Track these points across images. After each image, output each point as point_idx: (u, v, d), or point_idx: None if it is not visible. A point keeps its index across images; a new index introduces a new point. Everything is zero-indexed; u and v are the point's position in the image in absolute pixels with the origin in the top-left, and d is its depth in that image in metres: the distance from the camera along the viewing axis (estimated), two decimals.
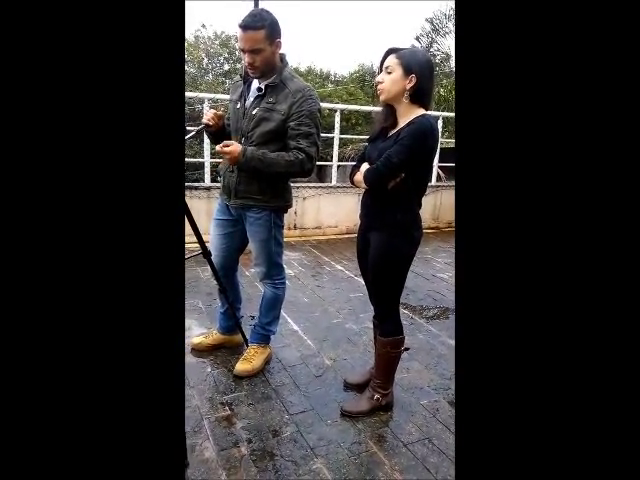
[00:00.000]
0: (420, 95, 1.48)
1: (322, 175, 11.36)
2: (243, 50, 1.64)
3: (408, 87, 1.47)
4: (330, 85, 13.98)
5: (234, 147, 1.66)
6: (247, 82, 1.78)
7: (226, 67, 14.01)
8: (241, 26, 1.59)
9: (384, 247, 1.59)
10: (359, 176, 1.57)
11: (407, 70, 1.45)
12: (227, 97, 5.37)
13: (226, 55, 14.00)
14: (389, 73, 1.48)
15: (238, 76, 1.90)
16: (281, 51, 1.73)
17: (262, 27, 1.59)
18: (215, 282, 2.02)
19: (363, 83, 13.59)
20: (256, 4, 4.09)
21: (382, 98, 1.52)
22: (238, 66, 13.57)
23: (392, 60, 1.47)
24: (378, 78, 1.52)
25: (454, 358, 2.31)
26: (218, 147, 1.66)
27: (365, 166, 1.56)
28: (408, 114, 1.51)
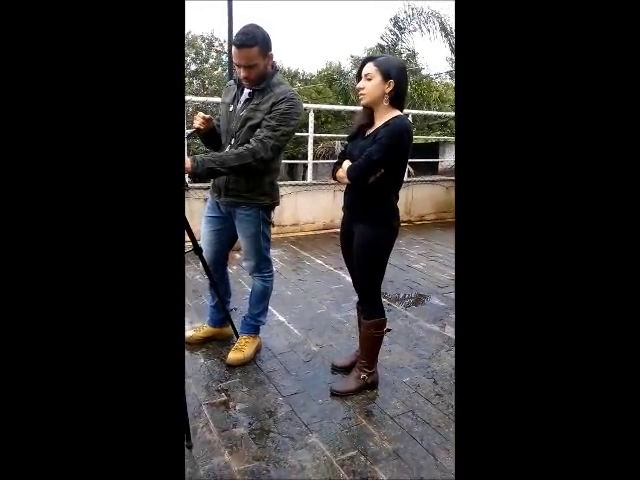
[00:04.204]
0: (397, 98, 1.63)
1: (293, 173, 11.47)
2: (238, 65, 1.75)
3: (387, 91, 1.61)
4: (299, 83, 14.09)
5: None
6: (240, 87, 1.89)
7: (193, 67, 13.90)
8: (236, 44, 1.70)
9: (367, 236, 1.73)
10: (341, 172, 1.71)
11: (386, 76, 1.60)
12: (196, 98, 5.37)
13: (193, 55, 13.89)
14: (369, 80, 1.62)
15: (232, 80, 2.01)
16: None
17: (255, 44, 1.70)
18: (205, 278, 2.12)
19: (331, 81, 13.75)
20: (230, 3, 4.15)
21: (363, 102, 1.66)
22: (206, 66, 13.49)
23: (371, 67, 1.62)
24: (359, 85, 1.66)
25: (432, 340, 2.48)
26: None
27: (347, 163, 1.70)
28: (385, 115, 1.65)
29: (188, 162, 1.68)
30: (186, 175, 1.77)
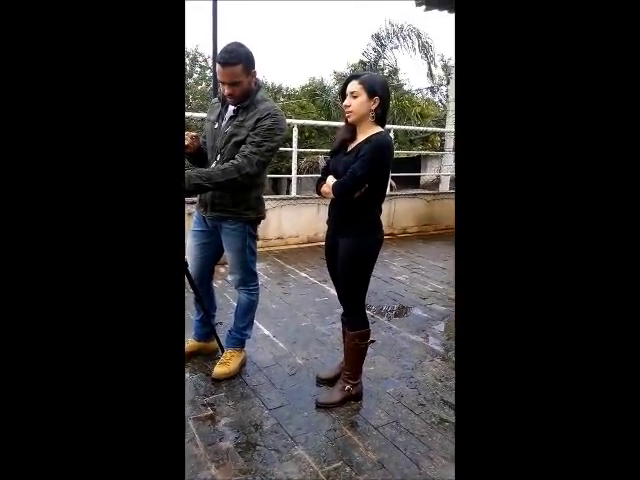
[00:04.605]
0: (382, 114, 1.69)
1: (277, 187, 11.54)
2: (223, 82, 1.80)
3: (373, 108, 1.67)
4: (282, 98, 14.23)
5: None
6: (225, 104, 1.93)
7: None
8: (220, 62, 1.75)
9: (352, 249, 1.77)
10: (326, 188, 1.76)
11: (371, 93, 1.66)
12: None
13: None
14: (355, 97, 1.67)
15: (216, 98, 2.05)
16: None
17: (239, 62, 1.75)
18: (188, 292, 2.13)
19: (314, 97, 13.93)
20: (214, 5, 4.19)
21: (351, 120, 1.71)
22: (190, 81, 13.55)
23: (356, 85, 1.67)
24: (345, 102, 1.70)
25: (415, 351, 2.51)
26: None
27: (331, 178, 1.74)
28: (368, 131, 1.71)
29: None
30: None
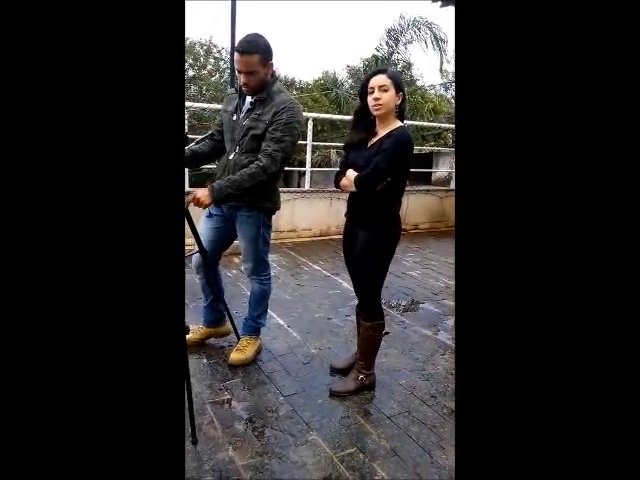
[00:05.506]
0: (404, 110, 1.72)
1: (288, 180, 11.57)
2: (239, 71, 1.84)
3: (398, 103, 1.70)
4: (295, 92, 14.22)
5: (201, 192, 1.79)
6: (242, 96, 1.96)
7: (191, 73, 13.97)
8: (238, 51, 1.80)
9: (370, 241, 1.81)
10: (346, 181, 1.78)
11: (398, 88, 1.69)
12: (191, 104, 5.44)
13: (190, 61, 13.97)
14: (385, 91, 1.68)
15: (233, 89, 2.09)
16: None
17: (256, 52, 1.79)
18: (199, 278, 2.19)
19: (327, 90, 13.91)
20: (233, 3, 4.20)
21: (378, 113, 1.72)
22: (204, 72, 13.59)
23: (386, 80, 1.69)
24: (376, 95, 1.69)
25: (426, 345, 2.54)
26: (190, 202, 1.78)
27: (351, 172, 1.77)
28: (389, 126, 1.73)
29: (207, 194, 1.78)
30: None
